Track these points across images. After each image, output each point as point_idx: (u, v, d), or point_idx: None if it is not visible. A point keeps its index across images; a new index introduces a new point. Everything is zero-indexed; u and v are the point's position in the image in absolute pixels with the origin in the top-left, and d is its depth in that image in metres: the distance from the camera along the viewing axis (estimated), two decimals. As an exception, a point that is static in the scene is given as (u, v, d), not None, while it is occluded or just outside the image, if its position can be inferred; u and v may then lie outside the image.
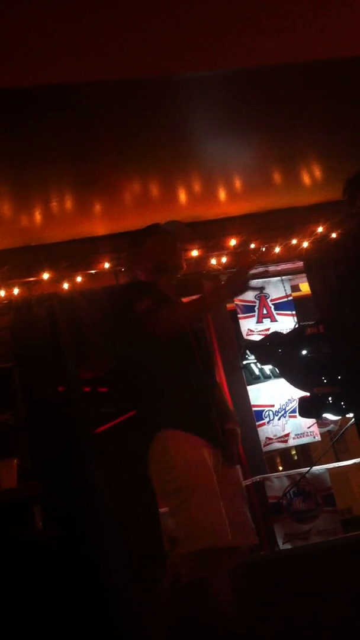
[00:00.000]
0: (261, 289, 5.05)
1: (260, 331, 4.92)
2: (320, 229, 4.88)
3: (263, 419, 4.77)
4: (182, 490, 2.56)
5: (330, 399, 4.46)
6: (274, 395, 4.87)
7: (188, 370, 2.77)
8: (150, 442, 2.70)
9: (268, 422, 4.77)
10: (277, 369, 4.83)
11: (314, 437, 4.88)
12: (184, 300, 3.22)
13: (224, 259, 4.83)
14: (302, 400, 4.56)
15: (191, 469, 2.58)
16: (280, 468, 7.71)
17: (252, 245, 4.84)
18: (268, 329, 4.92)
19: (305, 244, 4.90)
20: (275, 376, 4.91)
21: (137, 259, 3.06)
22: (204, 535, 2.49)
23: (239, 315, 4.97)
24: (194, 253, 4.78)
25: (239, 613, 2.59)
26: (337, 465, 4.84)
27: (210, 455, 2.68)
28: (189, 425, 2.66)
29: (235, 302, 4.98)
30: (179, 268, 3.08)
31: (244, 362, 4.90)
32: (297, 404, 4.67)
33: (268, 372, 4.98)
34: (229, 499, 2.69)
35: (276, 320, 5.00)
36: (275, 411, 4.83)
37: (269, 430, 4.75)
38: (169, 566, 2.59)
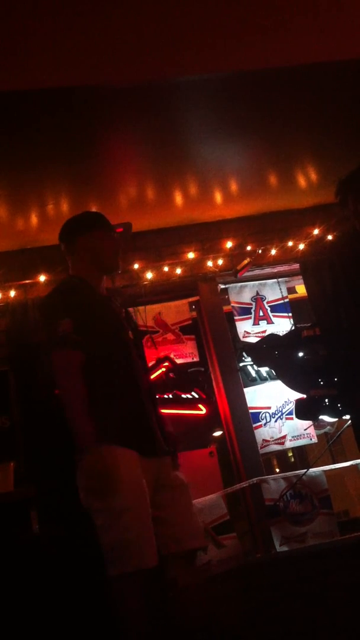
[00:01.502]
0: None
1: (256, 333, 4.93)
2: (315, 231, 4.89)
3: (260, 421, 4.77)
4: (110, 511, 2.47)
5: (326, 401, 4.45)
6: (270, 397, 4.87)
7: (122, 379, 2.67)
8: (80, 454, 2.56)
9: (265, 424, 4.77)
10: (273, 371, 4.83)
11: (311, 439, 4.88)
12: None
13: (220, 261, 4.84)
14: (298, 402, 4.55)
15: (121, 489, 2.46)
16: (277, 470, 7.73)
17: (249, 248, 4.84)
18: (264, 331, 4.92)
19: (301, 246, 4.91)
20: (272, 378, 4.91)
21: (76, 246, 2.91)
22: (132, 558, 2.43)
23: (235, 318, 4.97)
24: (190, 255, 4.79)
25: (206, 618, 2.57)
26: (333, 468, 4.84)
27: (150, 466, 2.61)
28: (125, 439, 2.56)
29: (232, 304, 4.99)
30: (116, 270, 2.97)
31: (241, 364, 4.90)
32: (293, 406, 4.67)
33: (264, 374, 4.98)
34: (181, 504, 2.68)
35: (272, 323, 5.00)
36: (272, 413, 4.83)
37: (266, 432, 4.75)
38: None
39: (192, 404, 4.78)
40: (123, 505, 2.46)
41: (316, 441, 4.96)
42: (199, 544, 2.68)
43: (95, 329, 2.66)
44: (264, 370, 4.95)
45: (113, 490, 2.45)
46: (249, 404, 4.75)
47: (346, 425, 4.81)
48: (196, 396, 4.81)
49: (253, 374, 4.97)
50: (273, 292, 5.09)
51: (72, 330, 2.58)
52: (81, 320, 2.62)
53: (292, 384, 4.64)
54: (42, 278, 4.50)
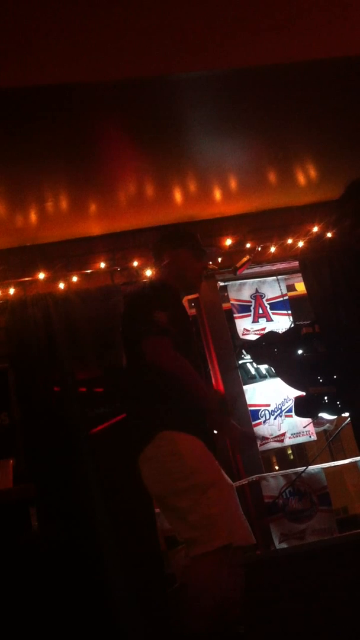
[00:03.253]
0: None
1: (256, 331, 4.93)
2: (315, 229, 4.89)
3: (259, 419, 4.77)
4: (196, 488, 2.52)
5: (326, 398, 4.46)
6: (270, 395, 4.87)
7: (189, 369, 2.73)
8: (147, 442, 2.66)
9: (264, 422, 4.77)
10: (273, 369, 4.83)
11: (310, 437, 4.88)
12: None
13: (219, 259, 4.83)
14: (297, 399, 4.57)
15: (203, 467, 2.57)
16: (277, 467, 7.72)
17: (248, 245, 4.84)
18: (264, 329, 4.93)
19: (300, 244, 4.91)
20: (271, 376, 4.91)
21: (163, 258, 3.06)
22: (222, 532, 2.46)
23: (235, 315, 4.97)
24: (190, 253, 4.78)
25: (240, 612, 2.58)
26: (332, 465, 4.85)
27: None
28: (192, 428, 2.65)
29: (231, 302, 4.99)
30: (195, 291, 3.18)
31: (240, 362, 4.90)
32: (293, 403, 4.68)
33: (264, 372, 4.98)
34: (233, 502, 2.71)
35: (272, 320, 5.00)
36: (271, 411, 4.83)
37: (265, 429, 4.75)
38: (182, 568, 2.55)
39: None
40: (207, 482, 2.53)
41: (315, 439, 4.97)
42: (251, 540, 2.70)
43: (178, 329, 2.77)
44: (263, 367, 4.95)
45: (197, 468, 2.54)
46: (248, 402, 4.75)
47: (345, 422, 4.81)
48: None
49: (252, 371, 4.98)
50: (272, 289, 5.09)
51: (167, 322, 2.71)
52: (171, 316, 2.75)
53: (292, 382, 4.65)
54: (41, 275, 4.49)
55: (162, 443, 2.63)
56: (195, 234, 3.20)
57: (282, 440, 4.79)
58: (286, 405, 4.82)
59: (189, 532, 2.52)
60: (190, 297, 4.95)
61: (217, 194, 4.64)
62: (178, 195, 4.53)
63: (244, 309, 5.02)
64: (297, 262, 4.95)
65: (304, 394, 4.54)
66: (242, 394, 4.72)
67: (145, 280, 4.55)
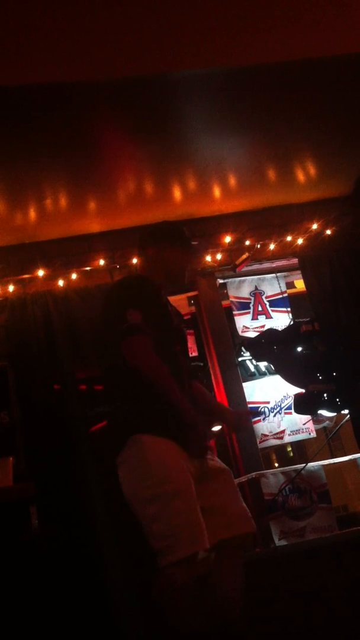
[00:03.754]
0: None
1: (255, 328, 4.93)
2: (314, 226, 4.89)
3: (259, 416, 4.78)
4: (161, 497, 2.49)
5: (325, 395, 4.46)
6: (269, 392, 4.87)
7: (162, 371, 2.67)
8: (122, 445, 2.62)
9: (263, 419, 4.78)
10: (272, 366, 4.83)
11: (310, 434, 4.88)
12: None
13: (218, 256, 4.83)
14: (297, 396, 4.57)
15: (170, 475, 2.52)
16: (276, 465, 7.74)
17: (247, 242, 4.84)
18: (263, 326, 4.92)
19: (299, 241, 4.91)
20: (271, 373, 4.91)
21: (147, 253, 3.00)
22: (185, 542, 2.44)
23: (234, 312, 4.97)
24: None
25: (241, 612, 2.58)
26: (332, 462, 4.85)
27: (190, 461, 2.63)
28: (168, 431, 2.59)
29: (231, 299, 4.99)
30: (180, 284, 3.06)
31: (239, 359, 4.90)
32: (292, 400, 4.68)
33: (263, 369, 4.99)
34: (227, 490, 2.73)
35: (271, 317, 5.00)
36: (271, 408, 4.83)
37: (265, 426, 4.75)
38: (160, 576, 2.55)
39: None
40: (172, 491, 2.50)
41: (315, 436, 4.97)
42: (250, 527, 2.70)
43: (154, 323, 2.72)
44: (262, 365, 4.96)
45: (163, 477, 2.50)
46: (248, 399, 4.75)
47: (345, 420, 4.82)
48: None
49: (252, 368, 4.98)
50: (272, 286, 5.09)
51: (141, 320, 2.65)
52: (145, 313, 2.70)
53: (291, 379, 4.65)
54: (40, 273, 4.49)
55: (134, 447, 2.59)
56: (182, 227, 3.13)
57: (281, 438, 4.79)
58: (285, 402, 4.82)
59: (155, 542, 2.51)
60: (189, 294, 4.95)
61: (217, 192, 4.64)
62: (177, 193, 4.52)
63: (244, 306, 5.01)
64: (297, 259, 4.95)
65: (303, 391, 4.54)
66: (241, 391, 4.72)
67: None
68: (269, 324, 4.94)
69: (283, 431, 4.78)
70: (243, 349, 4.88)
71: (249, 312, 5.00)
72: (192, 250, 3.06)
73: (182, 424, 2.60)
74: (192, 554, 2.45)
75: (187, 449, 2.61)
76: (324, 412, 4.68)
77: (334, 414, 4.78)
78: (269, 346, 4.65)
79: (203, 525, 2.51)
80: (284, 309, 5.04)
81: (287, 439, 4.83)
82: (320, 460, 4.68)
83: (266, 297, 5.06)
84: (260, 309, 5.02)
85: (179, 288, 3.34)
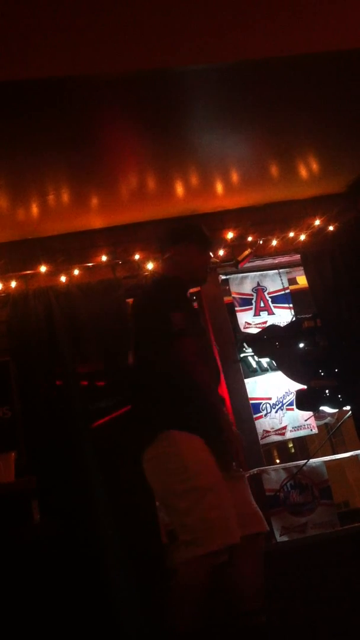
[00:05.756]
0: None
1: (257, 324, 4.93)
2: (317, 222, 4.88)
3: (260, 412, 4.78)
4: (195, 491, 2.55)
5: (327, 391, 4.46)
6: (271, 388, 4.88)
7: (205, 377, 2.76)
8: (151, 441, 2.69)
9: (265, 415, 4.78)
10: (274, 362, 4.84)
11: (311, 430, 4.89)
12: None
13: (221, 252, 4.83)
14: (299, 393, 4.57)
15: (204, 470, 2.59)
16: (278, 461, 7.74)
17: (250, 238, 4.84)
18: (265, 322, 4.92)
19: (302, 237, 4.90)
20: (273, 369, 4.92)
21: (173, 253, 3.06)
22: (218, 536, 2.50)
23: (236, 308, 4.97)
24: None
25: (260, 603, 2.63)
26: (333, 458, 4.85)
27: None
28: (198, 429, 2.66)
29: (233, 295, 4.99)
30: (202, 283, 3.16)
31: (241, 355, 4.90)
32: (294, 396, 4.68)
33: (265, 365, 4.99)
34: (241, 491, 2.79)
35: (273, 313, 5.00)
36: (273, 404, 4.84)
37: (266, 422, 4.76)
38: (176, 565, 2.57)
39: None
40: (207, 485, 2.56)
41: (316, 432, 4.97)
42: (263, 527, 2.78)
43: (190, 325, 2.79)
44: (264, 361, 4.96)
45: (198, 471, 2.57)
46: (250, 395, 4.76)
47: (346, 416, 4.82)
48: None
49: (254, 364, 4.98)
50: (274, 283, 5.09)
51: (184, 323, 2.73)
52: (186, 315, 2.78)
53: (293, 375, 4.65)
54: (42, 268, 4.49)
55: (165, 443, 2.65)
56: (201, 226, 3.20)
57: (283, 434, 4.79)
58: (287, 398, 4.83)
59: (185, 534, 2.55)
60: (191, 290, 4.95)
61: (219, 187, 4.64)
62: (180, 189, 4.52)
63: (246, 302, 5.01)
64: (299, 255, 4.94)
65: (305, 387, 4.54)
66: (243, 387, 4.72)
67: (147, 274, 4.55)
68: (271, 320, 4.94)
69: (285, 427, 4.79)
70: (245, 345, 4.89)
71: (251, 308, 5.00)
72: (212, 248, 3.11)
73: (219, 441, 2.67)
74: (223, 547, 2.50)
75: (219, 463, 2.67)
76: (326, 409, 4.68)
77: (336, 410, 4.78)
78: (270, 342, 4.66)
79: (235, 520, 2.56)
80: (286, 305, 5.04)
81: (289, 435, 4.83)
82: (322, 456, 4.69)
83: (268, 293, 5.06)
84: (262, 305, 5.02)
85: (197, 285, 3.40)
